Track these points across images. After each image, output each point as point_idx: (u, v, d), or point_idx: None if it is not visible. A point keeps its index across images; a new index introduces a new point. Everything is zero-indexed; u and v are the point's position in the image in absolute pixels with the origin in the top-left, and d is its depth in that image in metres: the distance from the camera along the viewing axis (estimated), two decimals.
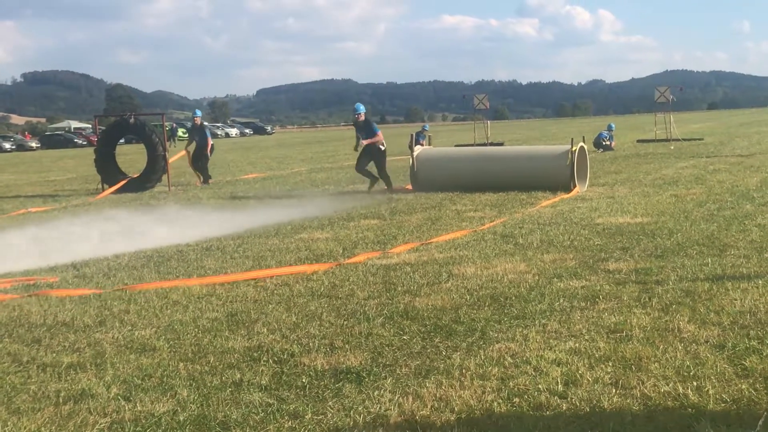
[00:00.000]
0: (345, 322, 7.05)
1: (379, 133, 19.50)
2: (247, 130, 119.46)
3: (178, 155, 25.47)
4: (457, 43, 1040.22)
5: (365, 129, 19.61)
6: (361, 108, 19.75)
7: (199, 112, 26.55)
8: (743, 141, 35.93)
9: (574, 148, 17.33)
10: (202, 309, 7.75)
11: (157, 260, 10.63)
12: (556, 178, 17.22)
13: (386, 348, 6.23)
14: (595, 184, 18.54)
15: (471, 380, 5.41)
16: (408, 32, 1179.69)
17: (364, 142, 19.33)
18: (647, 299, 7.40)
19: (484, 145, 35.24)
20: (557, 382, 5.30)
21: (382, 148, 19.44)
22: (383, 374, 5.60)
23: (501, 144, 37.64)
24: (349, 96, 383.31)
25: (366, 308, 7.50)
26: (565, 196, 16.16)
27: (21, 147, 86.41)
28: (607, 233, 11.25)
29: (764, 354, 5.67)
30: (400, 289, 8.27)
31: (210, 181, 24.10)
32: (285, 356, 6.12)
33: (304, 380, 5.55)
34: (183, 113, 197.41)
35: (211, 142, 24.43)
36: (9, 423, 4.97)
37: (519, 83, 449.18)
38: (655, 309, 7.06)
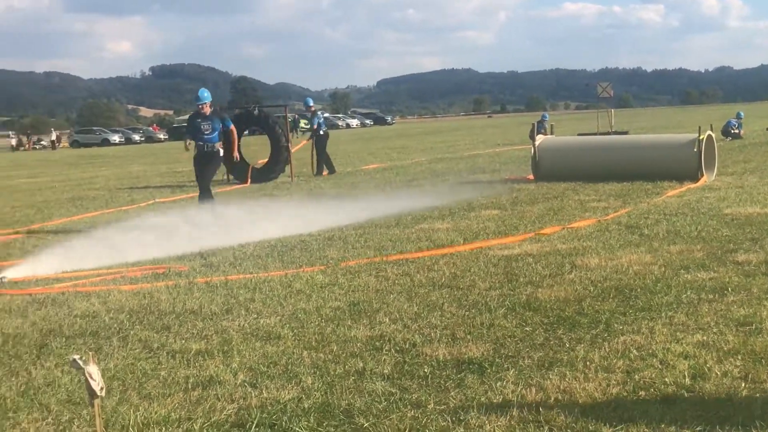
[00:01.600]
0: (466, 313, 7.04)
1: (233, 128, 15.33)
2: (367, 121, 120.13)
3: (299, 145, 25.80)
4: (579, 31, 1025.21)
5: (216, 124, 14.73)
6: (206, 96, 14.73)
7: (310, 101, 26.75)
8: None
9: (701, 137, 16.89)
10: (324, 298, 7.85)
11: (280, 250, 10.80)
12: (682, 167, 16.80)
13: (508, 339, 6.20)
14: (723, 173, 18.03)
15: (595, 373, 5.34)
16: (529, 20, 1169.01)
17: (235, 153, 16.12)
18: None
19: (608, 134, 34.63)
20: (684, 375, 5.19)
21: (220, 153, 15.02)
22: (506, 365, 5.58)
23: (625, 133, 36.87)
24: (470, 86, 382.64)
25: (487, 299, 7.47)
26: (692, 185, 15.78)
27: (149, 139, 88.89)
28: (736, 224, 10.94)
29: None
30: (522, 280, 8.22)
31: (324, 173, 24.06)
32: (407, 346, 6.15)
33: (426, 370, 5.56)
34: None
35: (319, 129, 24.52)
36: (140, 408, 5.13)
37: (644, 70, 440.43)
38: None
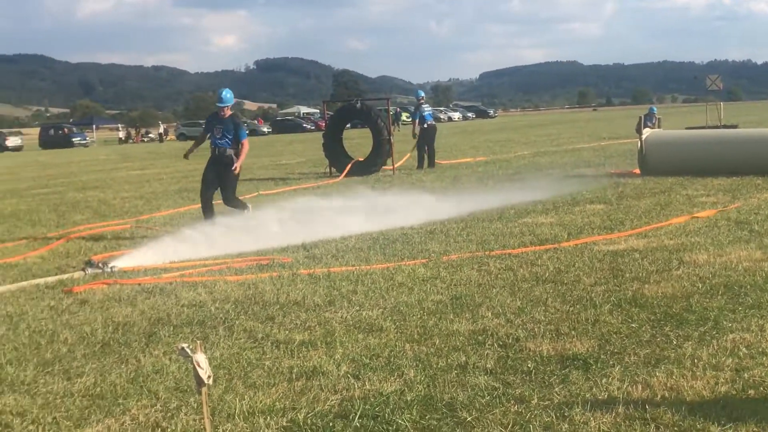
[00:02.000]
0: (571, 308, 6.96)
1: (246, 142, 12.98)
2: (469, 114, 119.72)
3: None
4: (687, 23, 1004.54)
5: (228, 130, 12.82)
6: (228, 98, 12.91)
7: (421, 92, 26.72)
8: None
9: None
10: (426, 291, 7.85)
11: (382, 243, 10.84)
12: None
13: (614, 335, 6.11)
14: None
15: (703, 371, 5.23)
16: (636, 12, 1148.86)
17: (236, 165, 12.87)
18: None
19: (717, 127, 33.84)
20: None
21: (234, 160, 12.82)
22: (611, 362, 5.50)
23: (735, 126, 35.98)
24: (575, 78, 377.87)
25: (592, 294, 7.37)
26: None
27: (253, 132, 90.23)
28: None
29: None
30: (628, 275, 8.08)
31: (423, 167, 23.96)
32: (510, 341, 6.11)
33: (529, 365, 5.52)
34: (407, 98, 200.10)
35: (417, 122, 24.33)
36: (246, 397, 5.21)
37: (754, 63, 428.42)
38: None
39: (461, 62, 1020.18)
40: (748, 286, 7.37)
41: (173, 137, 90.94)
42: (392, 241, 10.90)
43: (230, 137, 12.63)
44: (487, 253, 9.66)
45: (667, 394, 4.89)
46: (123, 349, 6.49)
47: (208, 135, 12.96)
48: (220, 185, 12.99)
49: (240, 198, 13.52)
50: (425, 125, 24.27)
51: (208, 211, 12.87)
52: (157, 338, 6.75)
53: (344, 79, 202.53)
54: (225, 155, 12.69)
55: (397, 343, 6.20)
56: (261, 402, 5.10)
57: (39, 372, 6.03)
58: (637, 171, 18.32)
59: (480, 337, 6.24)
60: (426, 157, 24.21)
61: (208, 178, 12.97)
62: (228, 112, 12.77)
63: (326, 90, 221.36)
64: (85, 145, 78.78)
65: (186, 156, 14.02)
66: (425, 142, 24.25)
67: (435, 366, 5.61)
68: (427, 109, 25.08)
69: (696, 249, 9.25)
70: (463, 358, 5.74)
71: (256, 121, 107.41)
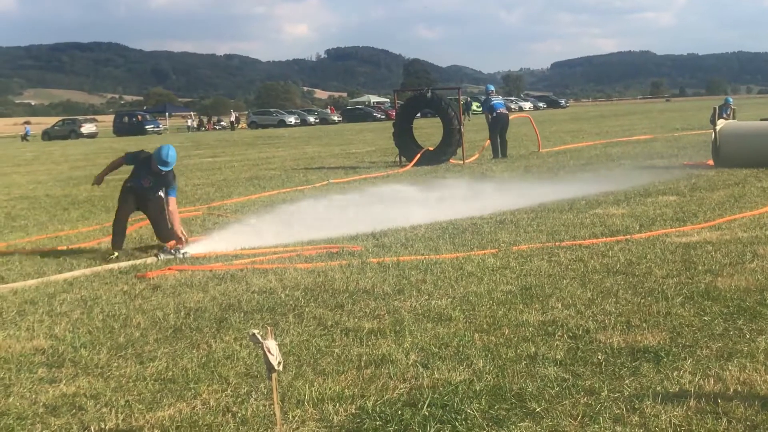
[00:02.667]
0: (642, 300, 6.90)
1: (173, 201, 10.57)
2: (540, 104, 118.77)
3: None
4: (764, 12, 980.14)
5: (160, 185, 10.74)
6: (173, 162, 10.62)
7: (490, 87, 26.65)
8: None
9: None
10: (496, 281, 7.83)
11: (452, 232, 10.84)
12: None
13: (686, 328, 6.04)
14: None
15: None
16: (711, 1, 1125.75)
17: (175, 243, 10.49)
18: None
19: None
20: None
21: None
22: (683, 355, 5.44)
23: None
24: (647, 68, 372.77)
25: (664, 287, 7.29)
26: None
27: (324, 120, 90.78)
28: None
29: None
30: (700, 268, 7.97)
31: (498, 156, 23.84)
32: (580, 332, 6.08)
33: (599, 357, 5.49)
34: (477, 87, 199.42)
35: (490, 114, 24.39)
36: (315, 383, 5.26)
37: None
38: None
39: (532, 52, 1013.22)
40: None
41: (245, 125, 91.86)
42: (462, 231, 10.89)
43: (160, 190, 10.67)
44: (557, 243, 9.60)
45: (739, 388, 4.83)
46: (194, 335, 6.59)
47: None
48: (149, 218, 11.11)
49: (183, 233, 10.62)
50: (495, 113, 24.19)
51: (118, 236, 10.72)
52: (228, 324, 6.84)
53: (414, 68, 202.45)
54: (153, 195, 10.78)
55: (466, 333, 6.21)
56: (330, 389, 5.15)
57: (112, 355, 6.16)
58: (711, 162, 18.04)
59: (549, 328, 6.22)
60: (499, 146, 24.10)
61: (125, 208, 10.86)
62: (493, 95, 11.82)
63: (396, 79, 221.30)
64: (158, 133, 79.83)
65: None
66: (497, 131, 24.16)
67: (504, 356, 5.61)
68: (497, 99, 25.02)
69: None
70: (533, 349, 5.73)
71: (327, 110, 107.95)
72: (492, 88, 26.48)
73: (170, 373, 5.65)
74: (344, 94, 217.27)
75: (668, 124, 42.00)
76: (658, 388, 4.88)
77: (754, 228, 10.04)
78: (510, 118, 25.22)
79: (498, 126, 24.18)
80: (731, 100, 35.58)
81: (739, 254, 8.54)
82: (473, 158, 23.59)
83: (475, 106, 79.31)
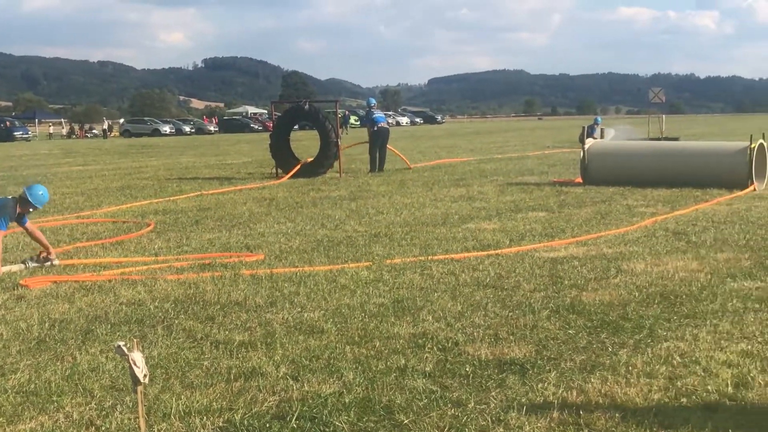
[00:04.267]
0: (510, 314, 7.04)
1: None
2: (417, 119, 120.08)
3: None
4: (633, 35, 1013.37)
5: (7, 219, 9.92)
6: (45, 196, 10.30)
7: (372, 100, 26.86)
8: None
9: (753, 145, 16.70)
10: (369, 294, 7.88)
11: (326, 245, 10.85)
12: (732, 175, 16.63)
13: (551, 341, 6.19)
14: None
15: (637, 378, 5.32)
16: (583, 23, 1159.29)
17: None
18: None
19: (659, 139, 34.34)
20: (727, 384, 5.16)
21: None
22: (547, 367, 5.57)
23: (676, 139, 36.53)
24: (522, 87, 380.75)
25: (531, 300, 7.46)
26: (741, 193, 15.60)
27: (200, 130, 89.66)
28: None
29: None
30: (567, 282, 8.19)
31: (374, 171, 23.93)
32: (449, 344, 6.16)
33: (467, 369, 5.57)
34: (355, 101, 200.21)
35: (371, 127, 24.52)
36: (182, 396, 5.19)
37: (697, 77, 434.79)
38: None
39: (410, 67, 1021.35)
40: (684, 296, 7.51)
41: (117, 134, 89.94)
42: (336, 244, 10.92)
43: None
44: (430, 257, 9.72)
45: (601, 400, 4.97)
46: (59, 346, 6.42)
47: None
48: None
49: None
50: (376, 128, 24.36)
51: None
52: (94, 336, 6.69)
53: (293, 80, 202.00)
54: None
55: (337, 345, 6.22)
56: (198, 402, 5.09)
57: None
58: (579, 180, 18.55)
59: (420, 341, 6.28)
60: (377, 160, 24.26)
61: None
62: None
63: (275, 90, 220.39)
64: (27, 140, 77.49)
65: None
66: (377, 145, 24.33)
67: (374, 368, 5.64)
68: (378, 113, 25.23)
69: (634, 258, 9.40)
70: (403, 361, 5.78)
71: (202, 119, 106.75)
72: (374, 101, 26.67)
73: (32, 386, 5.49)
74: (221, 104, 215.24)
75: (540, 142, 43.03)
76: (523, 400, 4.98)
77: (618, 244, 10.36)
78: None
79: (378, 140, 24.35)
80: (600, 120, 36.65)
81: (603, 269, 8.79)
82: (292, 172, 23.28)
83: (353, 119, 79.67)
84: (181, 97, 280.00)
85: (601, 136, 30.67)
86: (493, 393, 5.12)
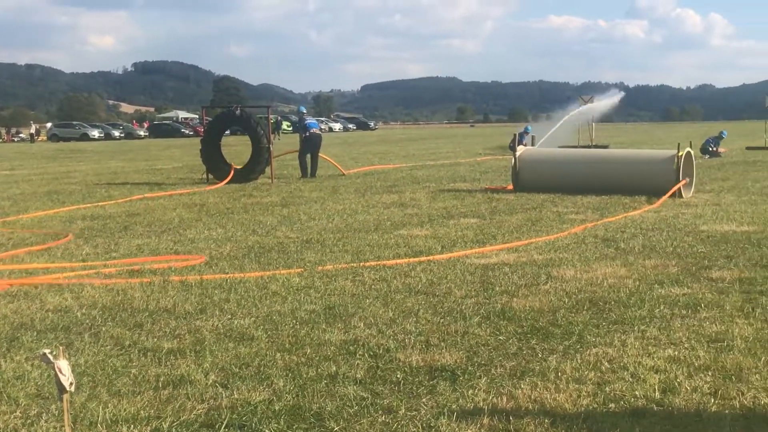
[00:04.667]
0: (441, 320, 7.05)
1: None
2: (350, 125, 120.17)
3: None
4: (564, 44, 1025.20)
5: None
6: None
7: (302, 108, 26.94)
8: None
9: (680, 153, 17.00)
10: (300, 301, 7.83)
11: (257, 251, 10.78)
12: (660, 182, 16.90)
13: (482, 347, 6.21)
14: (701, 190, 18.16)
15: (566, 383, 5.36)
16: (515, 31, 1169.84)
17: None
18: (750, 309, 7.24)
19: (589, 147, 34.82)
20: (655, 389, 5.22)
21: None
22: (478, 373, 5.59)
23: (606, 147, 37.11)
24: (454, 94, 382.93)
25: (463, 307, 7.48)
26: (670, 201, 15.87)
27: (129, 135, 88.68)
28: (712, 241, 11.01)
29: None
30: (497, 289, 8.23)
31: (306, 177, 23.91)
32: (381, 351, 6.15)
33: (398, 376, 5.56)
34: (288, 106, 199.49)
35: (303, 133, 24.63)
36: (110, 405, 5.10)
37: (626, 85, 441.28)
38: (759, 320, 6.90)
39: (343, 73, 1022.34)
40: (612, 302, 7.60)
41: (45, 138, 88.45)
42: (268, 250, 10.85)
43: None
44: (362, 264, 9.71)
45: (530, 406, 4.99)
46: None
47: None
48: None
49: None
50: (308, 133, 24.36)
51: None
52: (19, 343, 6.54)
53: (225, 85, 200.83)
54: None
55: (267, 353, 6.17)
56: (125, 410, 5.00)
57: None
58: (511, 187, 18.71)
59: (351, 347, 6.26)
60: (309, 166, 24.24)
61: None
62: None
63: (206, 95, 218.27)
64: None
65: None
66: (309, 151, 24.32)
67: (305, 376, 5.60)
68: (311, 119, 25.28)
69: (564, 264, 9.50)
70: (333, 368, 5.75)
71: (132, 124, 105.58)
72: (303, 109, 26.75)
73: None
74: (152, 109, 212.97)
75: (472, 149, 43.35)
76: (454, 407, 4.98)
77: (549, 251, 10.46)
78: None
79: (310, 146, 24.35)
80: (530, 128, 37.05)
81: (534, 276, 8.87)
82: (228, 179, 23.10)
83: (285, 125, 79.48)
84: (111, 102, 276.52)
85: (532, 144, 30.97)
86: (424, 399, 5.12)
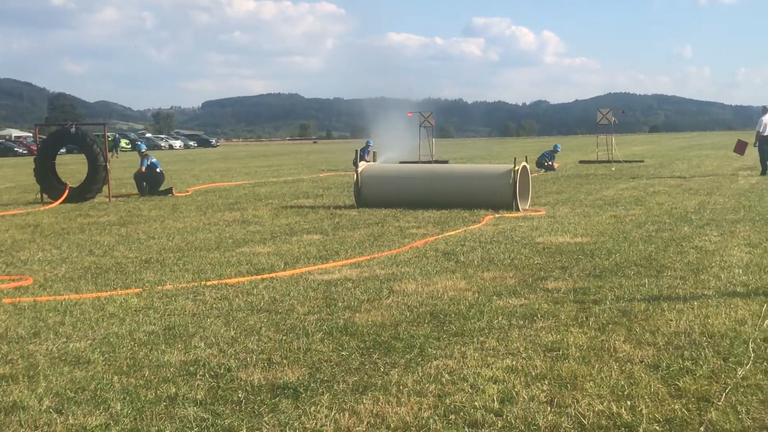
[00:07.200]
0: (284, 337, 7.01)
1: None
2: (191, 143, 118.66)
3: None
4: (404, 61, 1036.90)
5: None
6: None
7: (142, 146, 26.67)
8: (683, 164, 36.50)
9: (516, 168, 17.47)
10: (139, 322, 7.66)
11: (94, 272, 10.50)
12: (498, 196, 17.33)
13: (324, 364, 6.21)
14: (537, 203, 18.69)
15: (408, 397, 5.40)
16: (355, 48, 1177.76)
17: None
18: (584, 318, 7.48)
19: (429, 162, 35.40)
20: (493, 399, 5.32)
21: None
22: (320, 390, 5.58)
23: (446, 162, 37.82)
24: (296, 111, 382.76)
25: (306, 323, 7.47)
26: (507, 214, 16.27)
27: None
28: (547, 252, 11.34)
29: (698, 375, 5.75)
30: (340, 304, 8.25)
31: (143, 195, 23.57)
32: (222, 371, 6.07)
33: (240, 395, 5.50)
34: (127, 124, 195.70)
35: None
36: None
37: (465, 102, 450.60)
38: (592, 328, 7.13)
39: (184, 90, 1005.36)
40: (453, 315, 7.72)
41: None
42: (105, 271, 10.57)
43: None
44: (203, 282, 9.57)
45: (372, 421, 5.01)
46: None
47: None
48: None
49: None
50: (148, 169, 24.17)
51: None
52: None
53: (60, 103, 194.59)
54: None
55: (104, 376, 6.00)
56: None
57: None
58: (353, 202, 18.80)
59: (191, 368, 6.15)
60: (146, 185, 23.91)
61: None
62: None
63: (41, 113, 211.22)
64: None
65: None
66: (146, 180, 24.09)
67: (143, 398, 5.47)
68: (153, 158, 25.07)
69: (405, 278, 9.60)
70: (173, 390, 5.64)
71: None
72: (143, 147, 26.48)
73: None
74: None
75: (314, 165, 43.45)
76: (296, 424, 4.96)
77: (391, 265, 10.56)
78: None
79: (151, 180, 24.11)
80: (372, 142, 37.35)
81: (376, 290, 8.93)
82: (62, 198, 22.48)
83: (124, 143, 77.81)
84: None
85: (374, 159, 31.27)
86: (266, 418, 5.07)
